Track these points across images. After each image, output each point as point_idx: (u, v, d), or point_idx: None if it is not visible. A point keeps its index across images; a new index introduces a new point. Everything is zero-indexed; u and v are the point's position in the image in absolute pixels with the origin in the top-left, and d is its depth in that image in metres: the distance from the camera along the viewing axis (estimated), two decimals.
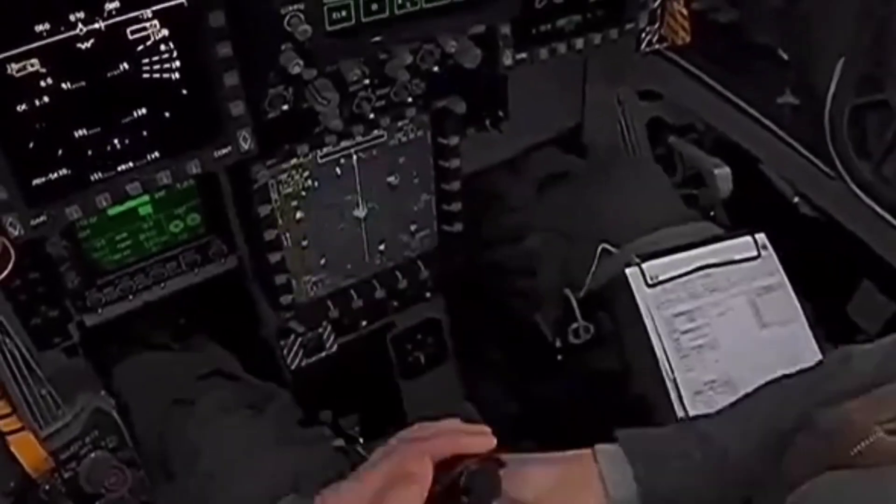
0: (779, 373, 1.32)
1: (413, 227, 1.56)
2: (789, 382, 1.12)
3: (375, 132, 1.42)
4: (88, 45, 1.04)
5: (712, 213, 1.78)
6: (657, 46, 1.65)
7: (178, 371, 1.48)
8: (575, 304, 1.52)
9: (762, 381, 1.35)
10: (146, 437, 1.42)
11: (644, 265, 1.44)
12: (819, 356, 1.44)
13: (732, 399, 1.35)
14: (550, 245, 1.61)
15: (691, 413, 1.37)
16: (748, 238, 1.52)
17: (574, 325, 1.52)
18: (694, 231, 1.55)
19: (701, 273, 1.47)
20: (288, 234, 1.41)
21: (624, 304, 1.45)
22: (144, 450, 1.42)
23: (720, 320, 1.45)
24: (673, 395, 1.39)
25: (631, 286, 1.43)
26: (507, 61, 1.42)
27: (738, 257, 1.50)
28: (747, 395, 1.15)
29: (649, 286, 1.44)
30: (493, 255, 1.77)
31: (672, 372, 1.40)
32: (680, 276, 1.46)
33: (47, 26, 1.01)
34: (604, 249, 1.49)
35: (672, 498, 1.05)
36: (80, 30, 1.03)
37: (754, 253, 1.51)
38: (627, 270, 1.44)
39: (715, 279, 1.47)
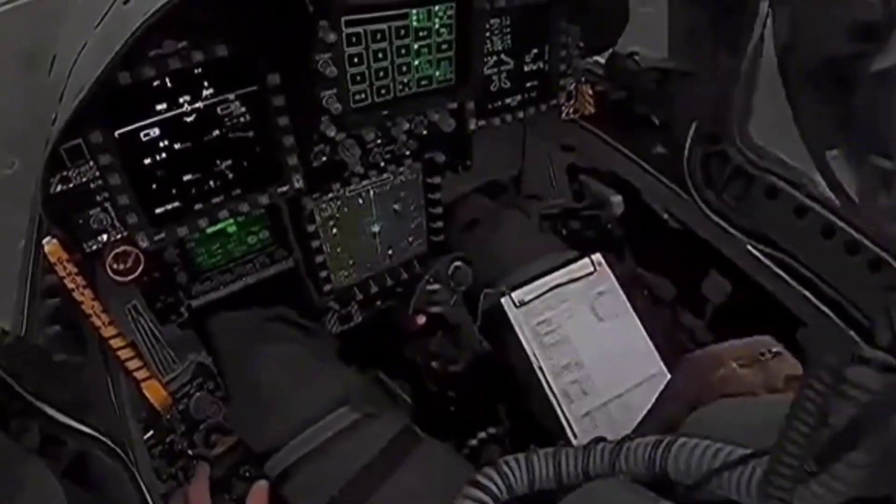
0: (614, 352, 1.33)
1: (411, 238, 1.55)
2: None
3: (385, 175, 1.41)
4: (192, 118, 1.05)
5: (609, 226, 1.77)
6: (573, 116, 1.66)
7: (250, 316, 1.41)
8: (476, 330, 1.52)
9: (604, 360, 1.36)
10: (228, 362, 1.33)
11: (513, 294, 1.43)
12: (646, 339, 1.45)
13: (583, 374, 1.37)
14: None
15: (555, 389, 1.36)
16: (587, 259, 1.51)
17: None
18: (551, 259, 1.52)
19: (554, 291, 1.45)
20: (327, 244, 1.40)
21: (503, 322, 1.43)
22: (228, 372, 1.32)
23: (570, 321, 1.43)
24: (542, 379, 1.38)
25: (505, 309, 1.42)
26: (472, 126, 1.43)
27: (579, 274, 1.49)
28: None
29: (518, 307, 1.42)
30: None
31: (539, 362, 1.38)
32: (539, 296, 1.44)
33: (164, 106, 1.02)
34: (486, 293, 1.47)
35: None
36: (186, 108, 1.04)
37: (591, 269, 1.50)
38: (502, 300, 1.43)
39: (564, 293, 1.46)
